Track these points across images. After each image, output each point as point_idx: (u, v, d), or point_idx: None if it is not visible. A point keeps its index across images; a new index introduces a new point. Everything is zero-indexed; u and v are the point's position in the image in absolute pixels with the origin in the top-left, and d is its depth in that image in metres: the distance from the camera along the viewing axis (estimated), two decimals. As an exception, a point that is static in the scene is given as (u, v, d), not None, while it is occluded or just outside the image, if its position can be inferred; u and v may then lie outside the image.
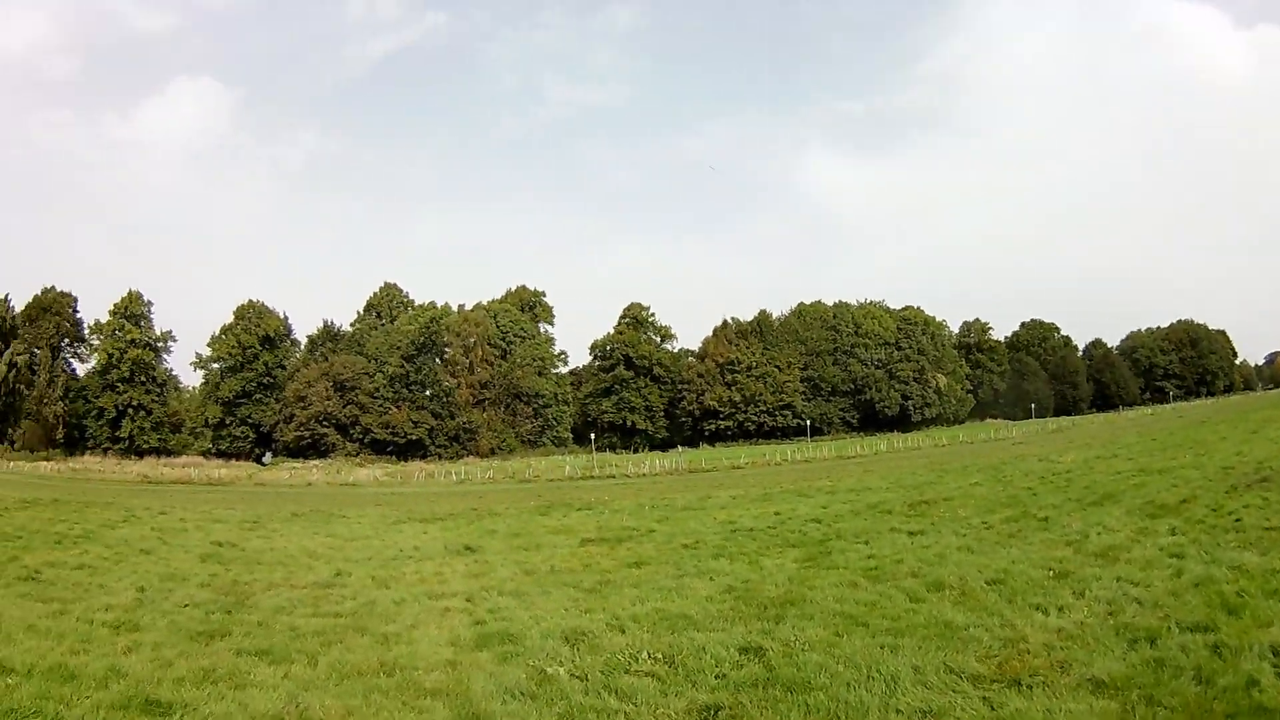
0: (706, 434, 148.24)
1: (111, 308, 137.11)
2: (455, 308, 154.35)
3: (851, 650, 10.90)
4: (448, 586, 18.77)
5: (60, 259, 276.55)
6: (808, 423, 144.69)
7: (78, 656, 11.93)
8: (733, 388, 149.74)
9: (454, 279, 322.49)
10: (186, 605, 16.40)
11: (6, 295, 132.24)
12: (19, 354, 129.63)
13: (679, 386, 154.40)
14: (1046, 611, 12.18)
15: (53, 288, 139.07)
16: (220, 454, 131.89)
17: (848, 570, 17.16)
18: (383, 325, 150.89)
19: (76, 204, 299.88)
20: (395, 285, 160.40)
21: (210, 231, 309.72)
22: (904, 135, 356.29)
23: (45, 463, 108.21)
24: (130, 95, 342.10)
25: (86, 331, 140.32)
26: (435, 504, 49.03)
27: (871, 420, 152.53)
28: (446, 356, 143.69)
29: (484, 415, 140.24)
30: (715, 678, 10.29)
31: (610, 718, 9.22)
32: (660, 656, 11.25)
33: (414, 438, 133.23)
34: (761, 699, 9.39)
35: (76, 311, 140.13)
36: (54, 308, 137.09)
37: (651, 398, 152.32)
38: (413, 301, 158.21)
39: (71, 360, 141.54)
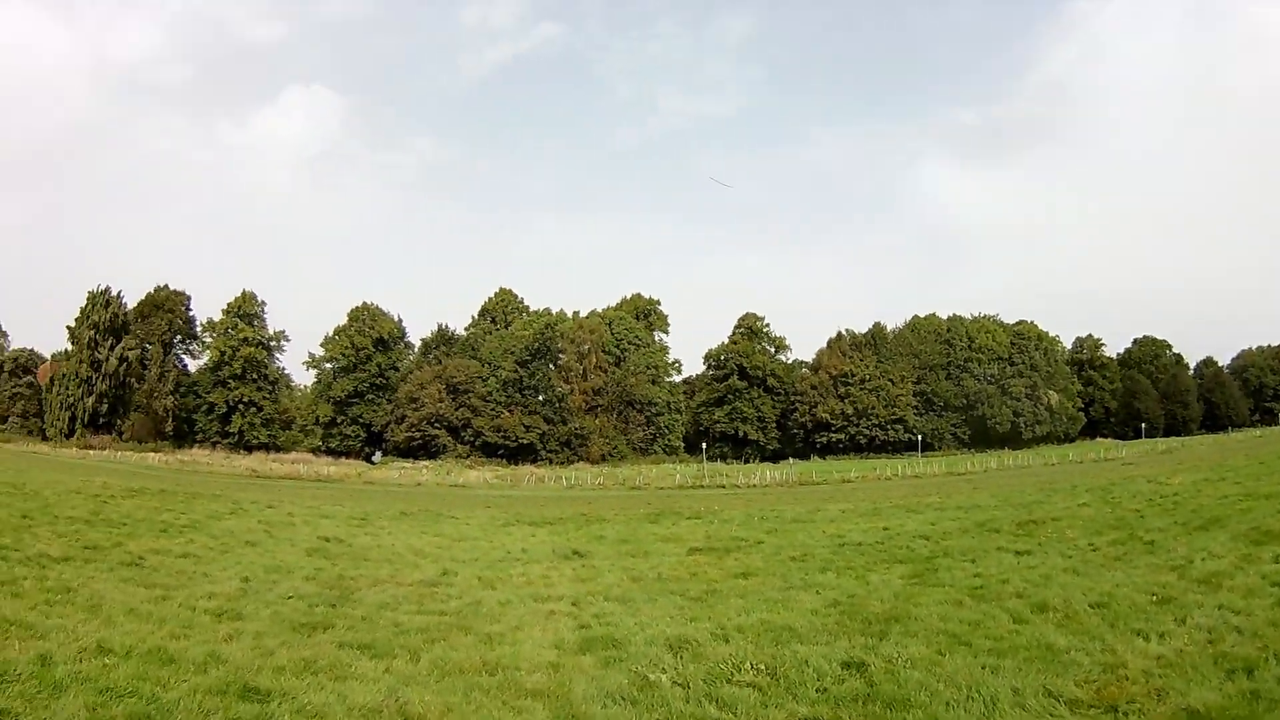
0: (818, 446, 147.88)
1: (225, 307, 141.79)
2: (570, 314, 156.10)
3: (953, 669, 10.87)
4: (554, 590, 18.96)
5: (175, 259, 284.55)
6: (919, 438, 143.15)
7: (178, 641, 12.28)
8: (845, 400, 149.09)
9: (569, 286, 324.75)
10: (290, 597, 16.77)
11: (119, 292, 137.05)
12: (130, 349, 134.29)
13: (792, 398, 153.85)
14: (1147, 638, 11.98)
15: (165, 286, 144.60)
16: (330, 452, 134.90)
17: (953, 588, 17.04)
18: (497, 330, 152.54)
19: (191, 207, 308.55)
20: (510, 291, 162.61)
21: (324, 235, 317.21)
22: (1017, 145, 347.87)
23: (154, 454, 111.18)
24: (243, 102, 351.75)
25: (199, 329, 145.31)
26: (544, 508, 49.44)
27: (982, 437, 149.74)
28: (560, 362, 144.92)
29: (596, 421, 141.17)
30: (816, 691, 10.31)
31: (710, 726, 9.21)
32: (763, 668, 11.26)
33: (525, 442, 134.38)
34: (861, 715, 9.43)
35: (189, 309, 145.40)
36: (167, 305, 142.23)
37: (764, 408, 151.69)
38: (528, 307, 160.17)
39: (183, 356, 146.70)
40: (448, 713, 9.67)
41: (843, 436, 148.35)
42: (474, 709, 9.83)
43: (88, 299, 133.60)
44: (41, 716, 8.63)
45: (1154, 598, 14.43)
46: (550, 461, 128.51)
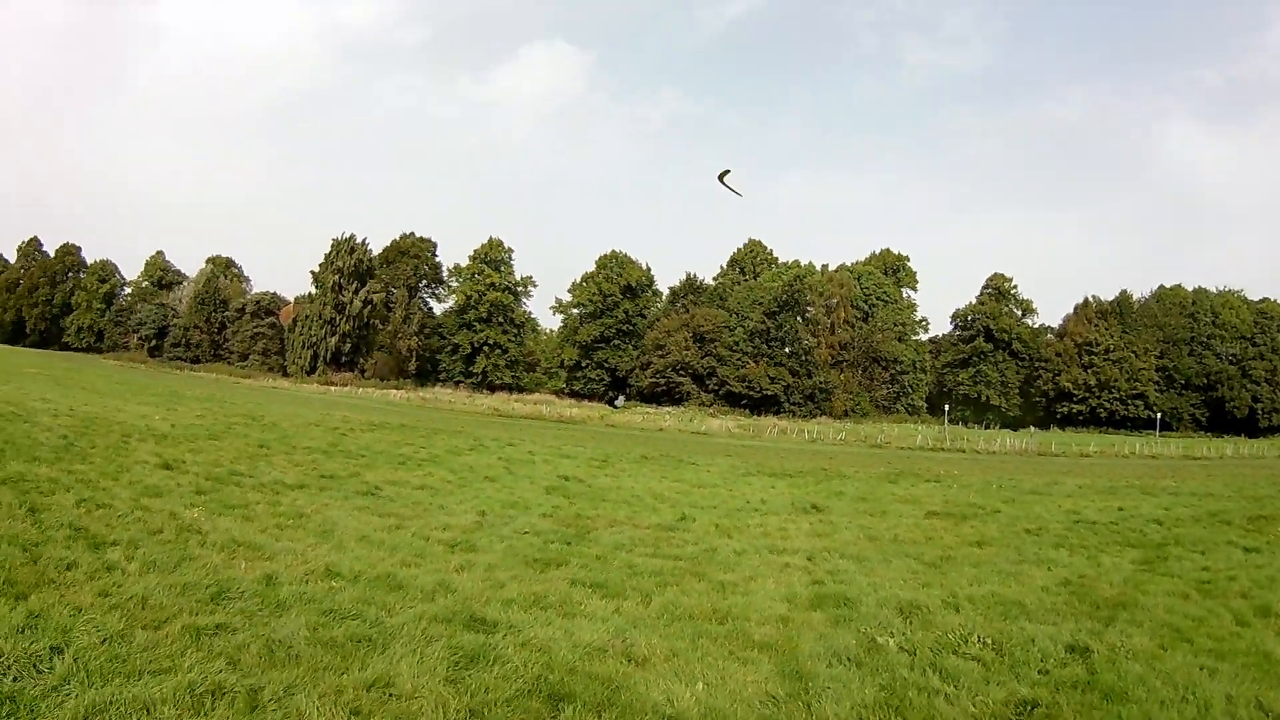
0: (1058, 416, 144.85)
1: (472, 253, 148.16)
2: (819, 267, 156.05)
3: (1172, 667, 10.59)
4: (790, 543, 18.90)
5: (421, 209, 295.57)
6: (1158, 416, 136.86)
7: (408, 569, 12.78)
8: (1089, 370, 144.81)
9: (816, 239, 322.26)
10: (526, 533, 17.21)
11: (364, 239, 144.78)
12: (375, 292, 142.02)
13: (1035, 364, 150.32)
14: (1365, 658, 11.47)
15: (412, 233, 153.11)
16: (573, 394, 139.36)
17: (1181, 579, 16.50)
18: (746, 281, 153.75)
19: (436, 160, 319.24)
20: (760, 242, 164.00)
21: (571, 185, 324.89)
22: (1264, 107, 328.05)
23: (395, 391, 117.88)
24: (482, 60, 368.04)
25: (445, 274, 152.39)
26: (785, 460, 49.45)
27: (1219, 420, 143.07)
28: (808, 315, 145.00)
29: (841, 376, 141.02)
30: (1038, 672, 10.19)
31: (931, 697, 9.14)
32: (989, 642, 11.13)
33: (769, 393, 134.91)
34: (1079, 703, 9.23)
35: (435, 255, 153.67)
36: (412, 251, 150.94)
37: (1008, 373, 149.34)
38: (776, 259, 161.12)
39: (429, 300, 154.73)
40: (673, 657, 9.70)
41: (1084, 408, 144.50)
42: (700, 656, 9.85)
43: (332, 245, 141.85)
44: (260, 633, 9.01)
45: (1375, 615, 13.98)
46: (793, 414, 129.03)
